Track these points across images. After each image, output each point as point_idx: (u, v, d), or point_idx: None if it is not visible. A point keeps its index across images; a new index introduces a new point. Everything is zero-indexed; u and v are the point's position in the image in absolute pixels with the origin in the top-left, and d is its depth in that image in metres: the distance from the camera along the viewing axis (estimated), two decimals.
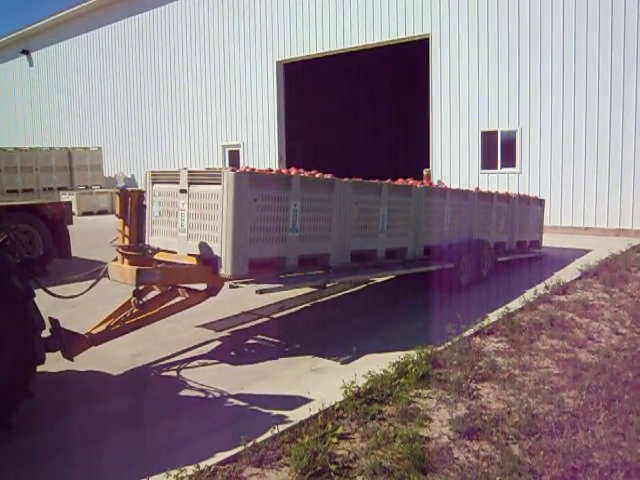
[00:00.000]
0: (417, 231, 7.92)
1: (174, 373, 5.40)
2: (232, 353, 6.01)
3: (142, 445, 3.97)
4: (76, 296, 5.36)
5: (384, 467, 3.55)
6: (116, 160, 26.50)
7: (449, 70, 15.97)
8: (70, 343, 4.96)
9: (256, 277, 5.96)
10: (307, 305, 7.95)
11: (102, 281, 5.65)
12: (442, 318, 6.47)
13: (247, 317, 7.26)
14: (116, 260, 5.63)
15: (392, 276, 8.75)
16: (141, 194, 5.72)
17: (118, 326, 5.41)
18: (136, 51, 25.09)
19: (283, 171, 6.89)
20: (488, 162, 15.59)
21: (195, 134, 23.11)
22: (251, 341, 6.43)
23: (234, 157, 21.64)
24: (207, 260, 5.64)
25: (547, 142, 14.48)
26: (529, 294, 7.78)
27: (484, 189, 10.80)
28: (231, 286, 6.00)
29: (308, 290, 8.32)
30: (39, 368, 4.24)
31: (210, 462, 3.61)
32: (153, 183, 6.46)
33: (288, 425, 4.09)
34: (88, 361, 5.40)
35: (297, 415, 4.26)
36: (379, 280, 9.14)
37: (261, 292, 5.87)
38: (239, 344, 6.31)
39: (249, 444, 3.74)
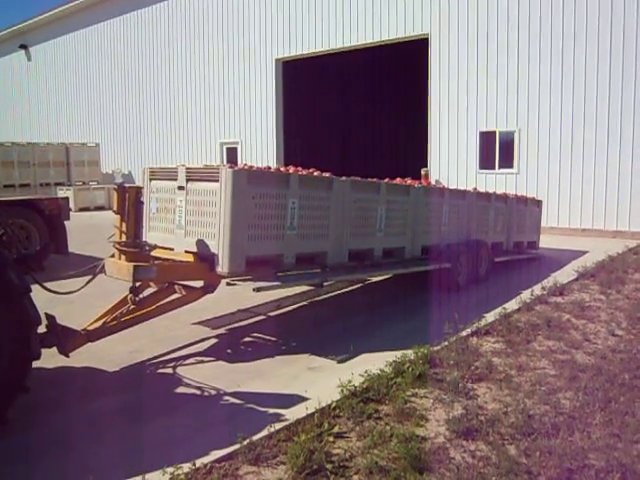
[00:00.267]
0: (415, 230, 7.92)
1: (170, 370, 5.39)
2: (228, 351, 6.00)
3: (138, 442, 3.96)
4: (73, 292, 5.34)
5: (380, 466, 3.54)
6: (113, 156, 26.44)
7: (448, 70, 15.96)
8: (66, 339, 4.95)
9: (253, 275, 5.95)
10: (304, 303, 7.95)
11: (99, 277, 5.63)
12: (439, 318, 6.46)
13: (244, 315, 7.25)
14: (113, 256, 5.61)
15: (389, 275, 8.75)
16: (139, 190, 5.68)
17: (114, 322, 5.39)
18: (135, 47, 25.02)
19: (281, 169, 6.87)
20: (486, 162, 15.60)
21: (193, 131, 23.06)
22: (248, 339, 6.41)
23: (232, 154, 21.61)
24: (204, 257, 5.63)
25: (545, 143, 14.49)
26: (526, 295, 7.78)
27: (482, 189, 10.81)
28: (228, 283, 5.99)
29: (305, 288, 8.30)
30: (35, 364, 4.22)
31: (206, 460, 3.61)
32: (151, 180, 6.45)
33: (284, 423, 4.08)
34: (84, 357, 5.39)
35: (293, 413, 4.25)
36: (376, 279, 9.14)
37: (258, 290, 5.86)
38: (236, 342, 6.30)
39: (245, 442, 3.73)
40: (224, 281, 5.99)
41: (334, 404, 4.40)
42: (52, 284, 5.16)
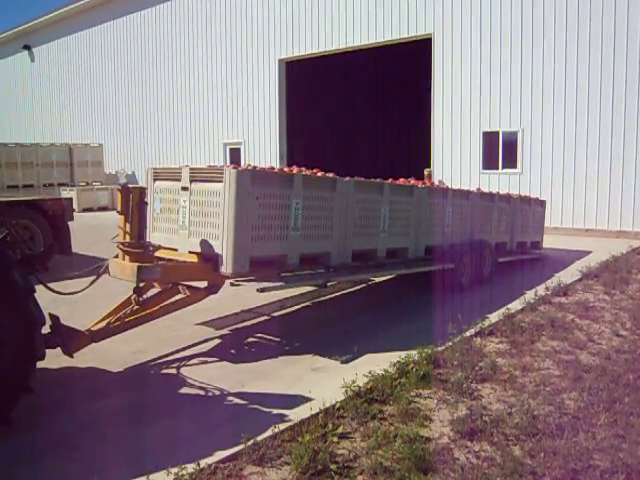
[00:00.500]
0: (418, 231, 7.91)
1: (174, 371, 5.39)
2: (232, 351, 6.00)
3: (142, 442, 3.96)
4: (77, 292, 5.36)
5: (385, 467, 3.54)
6: (117, 157, 26.48)
7: (451, 70, 15.94)
8: (70, 339, 4.96)
9: (257, 275, 5.95)
10: (307, 304, 7.95)
11: (102, 278, 5.64)
12: (443, 318, 6.45)
13: (247, 315, 7.25)
14: (117, 257, 5.62)
15: (393, 276, 8.74)
16: (142, 191, 5.68)
17: (118, 323, 5.40)
18: (138, 48, 25.05)
19: (285, 169, 6.87)
20: (489, 162, 15.57)
21: (196, 131, 23.08)
22: (251, 339, 6.41)
23: (235, 155, 21.62)
24: (208, 258, 5.63)
25: (549, 143, 14.47)
26: (530, 295, 7.77)
27: (485, 189, 10.79)
28: (232, 284, 5.98)
29: (309, 289, 8.32)
30: (39, 364, 4.23)
31: (210, 460, 3.61)
32: (155, 180, 6.46)
33: (288, 424, 4.08)
34: (88, 358, 5.39)
35: (297, 414, 4.25)
36: (379, 280, 9.13)
37: (262, 290, 5.86)
38: (239, 342, 6.30)
39: (249, 442, 3.73)
40: (228, 281, 5.99)
41: (338, 404, 4.39)
42: (56, 284, 5.17)
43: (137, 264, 5.30)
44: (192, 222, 5.84)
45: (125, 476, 3.50)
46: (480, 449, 3.82)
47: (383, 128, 29.80)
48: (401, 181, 8.17)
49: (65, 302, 5.66)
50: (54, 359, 4.99)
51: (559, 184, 14.37)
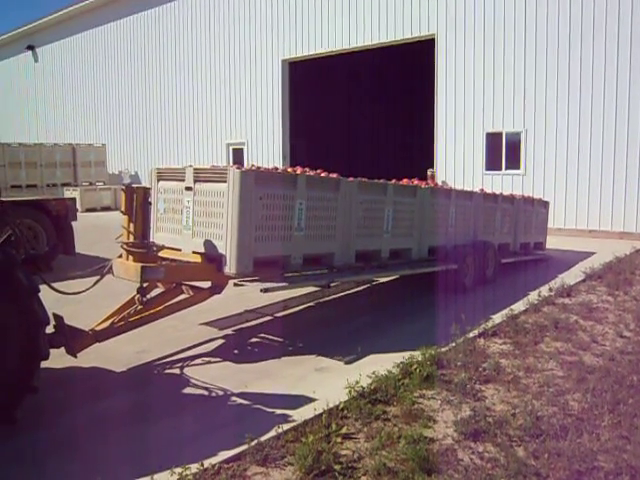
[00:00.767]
0: (422, 232, 7.90)
1: (177, 371, 5.39)
2: (235, 351, 6.01)
3: (146, 442, 3.96)
4: (80, 292, 5.36)
5: (388, 468, 3.54)
6: (120, 157, 26.52)
7: (454, 70, 15.93)
8: (74, 339, 4.96)
9: (260, 275, 5.95)
10: (311, 304, 7.95)
11: (106, 278, 5.65)
12: (446, 319, 6.44)
13: (251, 315, 7.25)
14: (121, 257, 5.63)
15: (396, 276, 8.74)
16: (146, 191, 5.69)
17: (122, 323, 5.41)
18: (141, 48, 25.09)
19: (289, 170, 6.87)
20: (492, 163, 15.56)
21: (199, 132, 23.10)
22: (254, 340, 6.42)
23: (238, 155, 21.63)
24: (212, 258, 5.64)
25: (552, 144, 14.45)
26: (533, 296, 7.75)
27: (488, 190, 10.78)
28: (235, 284, 5.99)
29: (312, 289, 8.31)
30: (43, 364, 4.23)
31: (214, 460, 3.61)
32: (158, 180, 6.47)
33: (292, 424, 4.08)
34: (92, 357, 5.40)
35: (301, 414, 4.25)
36: (383, 280, 9.13)
37: (265, 291, 5.86)
38: (242, 342, 6.30)
39: (253, 443, 3.73)
40: (231, 282, 5.99)
41: (342, 405, 4.39)
42: (60, 284, 5.17)
43: (141, 264, 5.31)
44: (196, 222, 5.85)
45: (129, 476, 3.50)
46: (484, 450, 3.82)
47: (386, 128, 29.79)
48: (404, 182, 8.17)
49: (69, 302, 5.66)
50: (58, 359, 5.00)
51: (562, 185, 14.35)
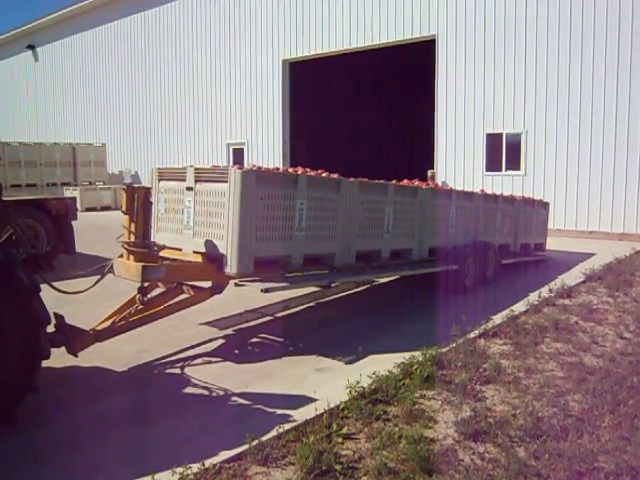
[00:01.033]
0: (422, 232, 7.90)
1: (178, 370, 5.39)
2: (236, 351, 6.01)
3: (147, 442, 3.96)
4: (81, 292, 5.36)
5: (389, 468, 3.54)
6: (120, 156, 26.52)
7: (455, 71, 15.94)
8: (74, 339, 4.97)
9: (261, 276, 5.96)
10: (311, 304, 7.95)
11: (107, 277, 5.65)
12: (446, 320, 6.45)
13: (251, 315, 7.25)
14: (121, 256, 5.62)
15: (396, 277, 8.74)
16: (147, 191, 5.68)
17: (122, 322, 5.41)
18: (142, 48, 25.09)
19: (290, 170, 6.88)
20: (493, 164, 15.57)
21: (200, 132, 23.11)
22: (255, 340, 6.42)
23: (238, 155, 21.64)
24: (212, 258, 5.64)
25: (552, 145, 14.46)
26: (533, 297, 7.76)
27: (489, 191, 10.79)
28: (236, 284, 5.99)
29: (312, 289, 8.32)
30: (44, 363, 4.23)
31: (215, 460, 3.61)
32: (159, 180, 6.47)
33: (293, 424, 4.08)
34: (92, 357, 5.40)
35: (302, 414, 4.25)
36: (383, 280, 9.13)
37: (266, 291, 5.87)
38: (243, 342, 6.30)
39: (254, 443, 3.73)
40: (232, 282, 5.99)
41: (342, 405, 4.40)
42: (60, 284, 5.17)
43: (142, 264, 5.31)
44: (197, 222, 5.85)
45: (129, 476, 3.50)
46: (485, 450, 3.82)
47: (386, 129, 29.80)
48: (405, 182, 8.17)
49: (70, 301, 5.67)
50: (58, 358, 5.00)
51: (562, 186, 14.36)
